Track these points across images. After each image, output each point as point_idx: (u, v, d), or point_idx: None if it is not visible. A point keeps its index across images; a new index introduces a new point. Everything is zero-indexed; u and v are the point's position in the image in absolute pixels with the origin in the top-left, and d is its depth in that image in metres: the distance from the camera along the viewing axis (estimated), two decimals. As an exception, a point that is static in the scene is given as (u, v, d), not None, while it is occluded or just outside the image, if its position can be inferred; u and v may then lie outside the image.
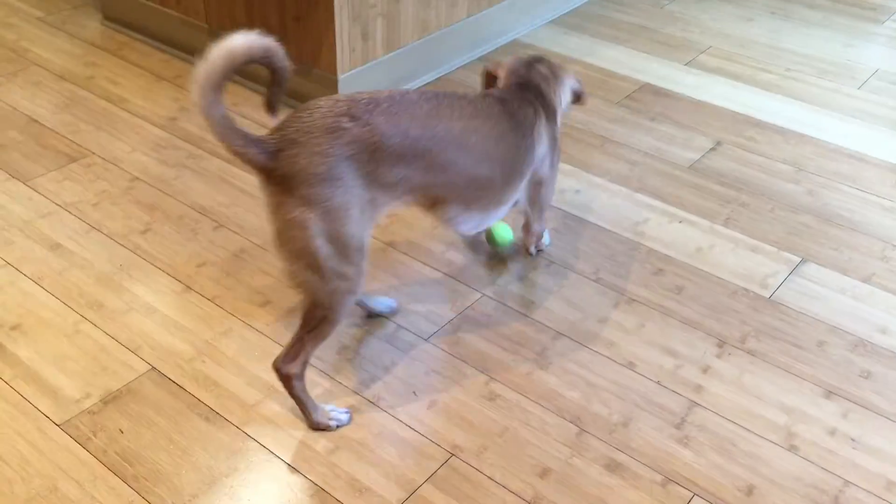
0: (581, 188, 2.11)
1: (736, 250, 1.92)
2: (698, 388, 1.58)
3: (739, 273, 1.86)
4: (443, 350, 1.64)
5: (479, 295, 1.78)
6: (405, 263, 1.85)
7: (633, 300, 1.78)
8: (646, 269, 1.86)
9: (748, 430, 1.50)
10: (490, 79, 1.74)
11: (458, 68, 2.61)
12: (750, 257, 1.90)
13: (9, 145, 2.15)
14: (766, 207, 2.07)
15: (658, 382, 1.59)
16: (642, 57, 2.76)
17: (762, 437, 1.49)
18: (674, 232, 1.98)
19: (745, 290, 1.81)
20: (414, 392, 1.54)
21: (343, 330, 1.67)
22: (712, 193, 2.12)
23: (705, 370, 1.62)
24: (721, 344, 1.67)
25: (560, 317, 1.73)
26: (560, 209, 2.04)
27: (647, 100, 2.52)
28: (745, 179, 2.17)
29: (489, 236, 1.85)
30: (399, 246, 1.90)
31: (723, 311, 1.76)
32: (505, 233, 1.84)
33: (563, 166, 2.19)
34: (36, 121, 2.26)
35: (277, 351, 1.60)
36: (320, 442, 1.44)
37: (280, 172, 1.27)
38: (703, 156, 2.26)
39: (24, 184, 2.02)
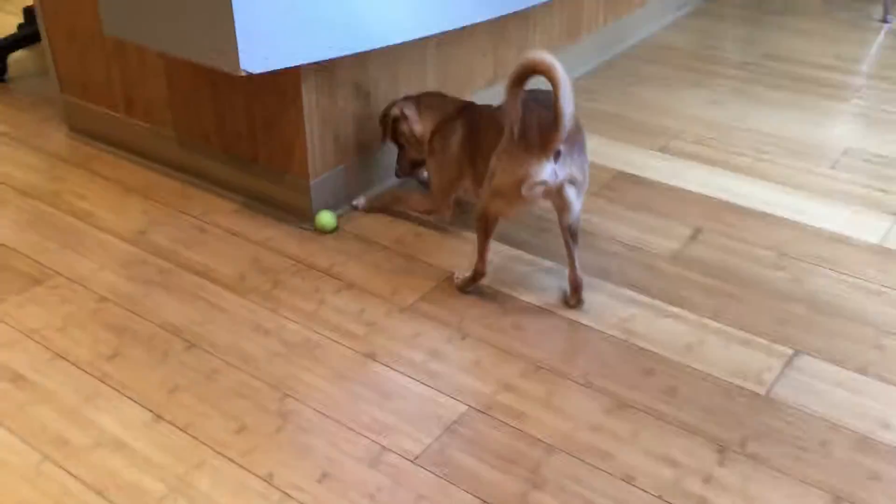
0: (563, 285, 2.06)
1: (727, 345, 1.87)
2: (702, 501, 1.50)
3: (733, 369, 1.80)
4: (431, 473, 1.55)
5: (465, 407, 1.70)
6: (386, 376, 1.77)
7: (626, 405, 1.71)
8: (636, 370, 1.80)
9: (758, 545, 1.42)
10: (393, 125, 2.26)
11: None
12: (742, 352, 1.85)
13: (-31, 270, 2.08)
14: (754, 297, 2.03)
15: (660, 497, 1.50)
16: (615, 145, 2.76)
17: (773, 552, 1.41)
18: (662, 328, 1.93)
19: (741, 388, 1.75)
20: (402, 522, 1.45)
21: (323, 454, 1.58)
22: (697, 285, 2.08)
23: (707, 480, 1.54)
24: (721, 449, 1.60)
25: (552, 427, 1.66)
26: (543, 308, 1.98)
27: (623, 188, 2.50)
28: (729, 268, 2.14)
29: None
30: (379, 357, 1.83)
31: (720, 412, 1.69)
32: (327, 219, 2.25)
33: (542, 263, 2.15)
34: (-1, 241, 2.20)
35: (253, 483, 1.52)
36: (304, 586, 1.34)
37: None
38: (684, 245, 2.23)
39: (-15, 311, 1.94)
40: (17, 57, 3.34)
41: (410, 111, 2.23)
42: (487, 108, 2.14)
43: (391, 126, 2.26)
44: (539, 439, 1.63)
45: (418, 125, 2.23)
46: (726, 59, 3.48)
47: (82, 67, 2.60)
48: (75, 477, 1.52)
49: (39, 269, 2.09)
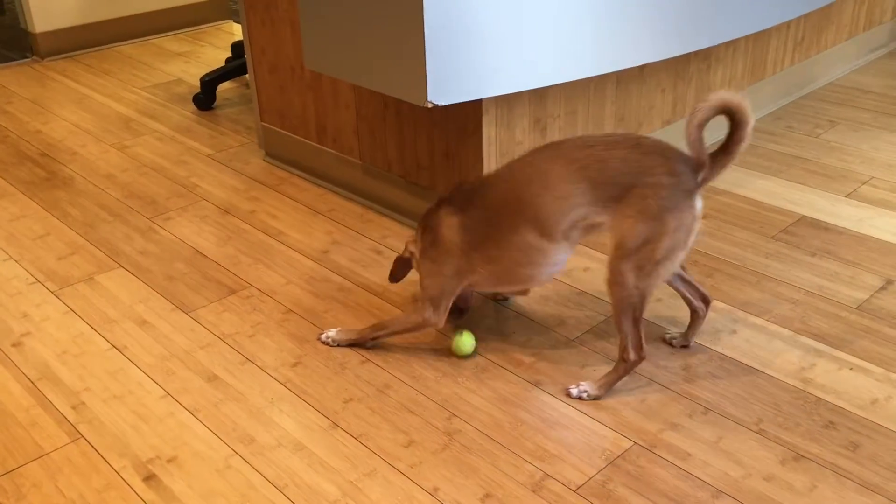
0: (737, 328, 2.00)
1: (918, 403, 1.75)
2: (885, 565, 1.40)
3: (924, 430, 1.68)
4: (593, 504, 1.55)
5: (629, 443, 1.68)
6: (551, 405, 1.79)
7: (802, 456, 1.64)
8: (815, 422, 1.72)
9: None
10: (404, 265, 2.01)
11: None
12: (935, 412, 1.73)
13: (176, 277, 2.29)
14: (950, 355, 1.89)
15: (836, 556, 1.43)
16: (798, 188, 2.65)
17: None
18: (844, 380, 1.83)
19: (933, 450, 1.63)
20: (562, 550, 1.46)
21: (486, 474, 1.61)
22: (886, 338, 1.95)
23: (891, 544, 1.44)
24: (908, 513, 1.50)
25: (719, 472, 1.61)
26: (715, 351, 1.93)
27: (805, 233, 2.40)
28: (923, 322, 2.00)
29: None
30: (544, 386, 1.85)
31: (907, 473, 1.58)
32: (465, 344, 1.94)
33: (715, 304, 2.10)
34: (201, 253, 2.40)
35: (419, 495, 1.57)
36: None
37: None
38: (872, 295, 2.11)
39: (187, 314, 2.13)
40: (222, 88, 3.66)
41: (413, 248, 1.96)
42: (474, 182, 1.87)
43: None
44: (706, 482, 1.58)
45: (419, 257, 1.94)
46: (926, 102, 3.27)
47: (281, 98, 2.82)
48: (259, 473, 1.64)
49: (235, 280, 2.27)
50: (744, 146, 1.65)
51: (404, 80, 1.98)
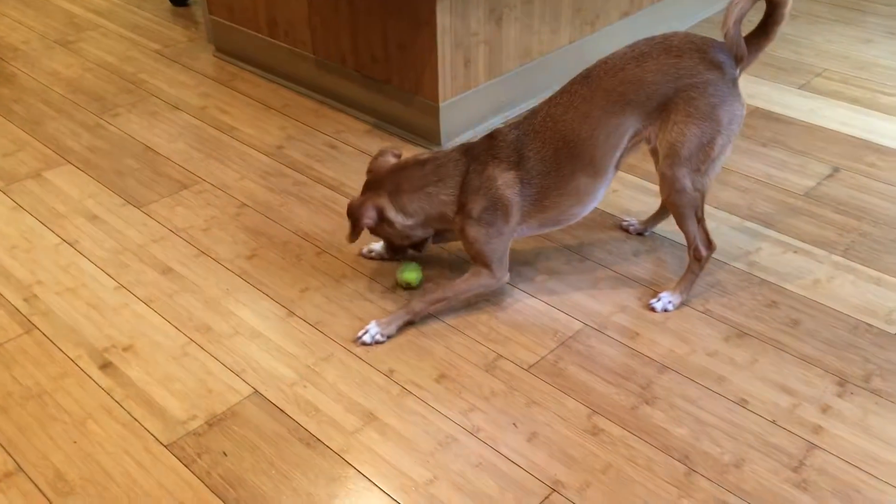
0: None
1: (857, 282, 1.81)
2: (817, 429, 1.48)
3: (861, 307, 1.75)
4: (543, 381, 1.60)
5: (580, 325, 1.73)
6: (505, 290, 1.82)
7: (745, 334, 1.70)
8: (758, 301, 1.78)
9: (873, 476, 1.39)
10: (376, 231, 1.77)
11: (559, 94, 2.58)
12: (872, 290, 1.79)
13: (126, 172, 2.25)
14: (889, 237, 1.95)
15: (773, 422, 1.50)
16: (752, 80, 2.66)
17: (889, 483, 1.38)
18: (788, 262, 1.88)
19: (868, 325, 1.70)
20: (514, 423, 1.51)
21: (442, 357, 1.65)
22: (830, 222, 2.01)
23: (825, 410, 1.52)
24: (842, 382, 1.57)
25: (666, 349, 1.66)
26: (665, 237, 1.97)
27: (758, 125, 2.42)
28: (866, 208, 2.05)
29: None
30: (499, 274, 1.87)
31: (843, 347, 1.65)
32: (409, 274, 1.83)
33: (668, 193, 2.12)
34: (152, 149, 2.36)
35: (375, 377, 1.61)
36: (419, 472, 1.42)
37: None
38: (819, 183, 2.15)
39: (138, 209, 2.10)
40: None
41: (390, 212, 1.73)
42: (503, 134, 1.72)
43: (374, 230, 1.77)
44: (652, 359, 1.64)
45: (408, 219, 1.74)
46: (882, -5, 3.27)
47: (230, -11, 2.73)
48: (216, 359, 1.66)
49: (187, 175, 2.24)
50: (783, 26, 1.59)
51: (354, -35, 1.92)
